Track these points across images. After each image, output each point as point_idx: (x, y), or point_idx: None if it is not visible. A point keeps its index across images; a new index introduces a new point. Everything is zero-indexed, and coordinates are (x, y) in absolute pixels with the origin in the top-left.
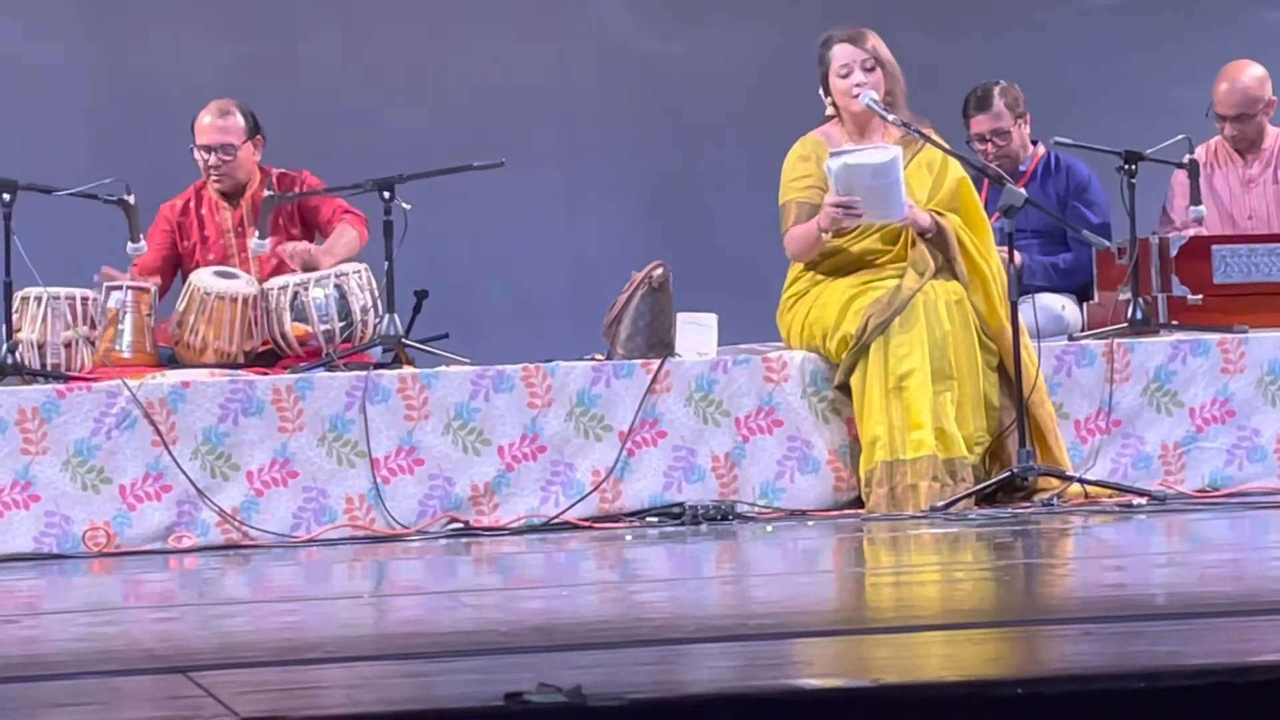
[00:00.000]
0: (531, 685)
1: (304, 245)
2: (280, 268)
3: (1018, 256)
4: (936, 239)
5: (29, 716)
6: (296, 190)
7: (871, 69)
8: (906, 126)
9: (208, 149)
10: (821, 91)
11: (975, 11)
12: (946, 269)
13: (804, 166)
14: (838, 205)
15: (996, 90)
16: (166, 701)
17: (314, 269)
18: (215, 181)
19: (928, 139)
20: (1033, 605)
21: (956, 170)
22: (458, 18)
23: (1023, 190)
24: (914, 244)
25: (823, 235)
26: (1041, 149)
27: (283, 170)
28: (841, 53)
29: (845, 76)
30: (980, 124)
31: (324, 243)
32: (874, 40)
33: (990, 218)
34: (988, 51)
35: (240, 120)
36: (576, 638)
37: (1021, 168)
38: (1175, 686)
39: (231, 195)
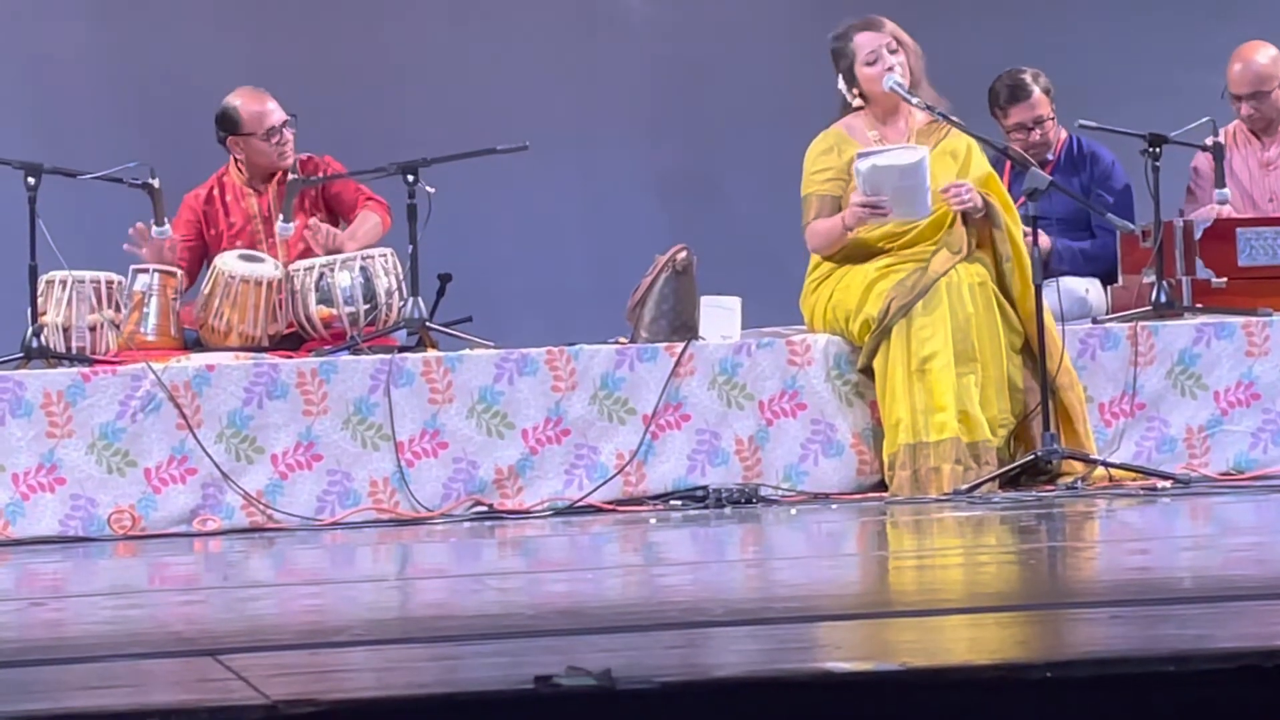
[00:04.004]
0: (560, 668)
1: (329, 228)
2: (306, 253)
3: (1045, 240)
4: (982, 218)
5: (58, 700)
6: (320, 175)
7: (895, 50)
8: (931, 110)
9: (279, 128)
10: (843, 84)
11: None
12: (975, 251)
13: (826, 159)
14: (864, 205)
15: (1028, 77)
16: (196, 684)
17: (338, 253)
18: (285, 158)
19: (950, 121)
20: (1058, 589)
21: (982, 164)
22: (481, 1)
23: (1046, 174)
24: (952, 224)
25: (847, 233)
26: (1063, 134)
27: (307, 155)
28: (865, 40)
29: (873, 63)
30: (1021, 113)
31: (347, 228)
32: (890, 24)
33: (1014, 203)
34: (1008, 37)
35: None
36: (603, 621)
37: (1047, 155)
38: (1204, 670)
39: (257, 182)
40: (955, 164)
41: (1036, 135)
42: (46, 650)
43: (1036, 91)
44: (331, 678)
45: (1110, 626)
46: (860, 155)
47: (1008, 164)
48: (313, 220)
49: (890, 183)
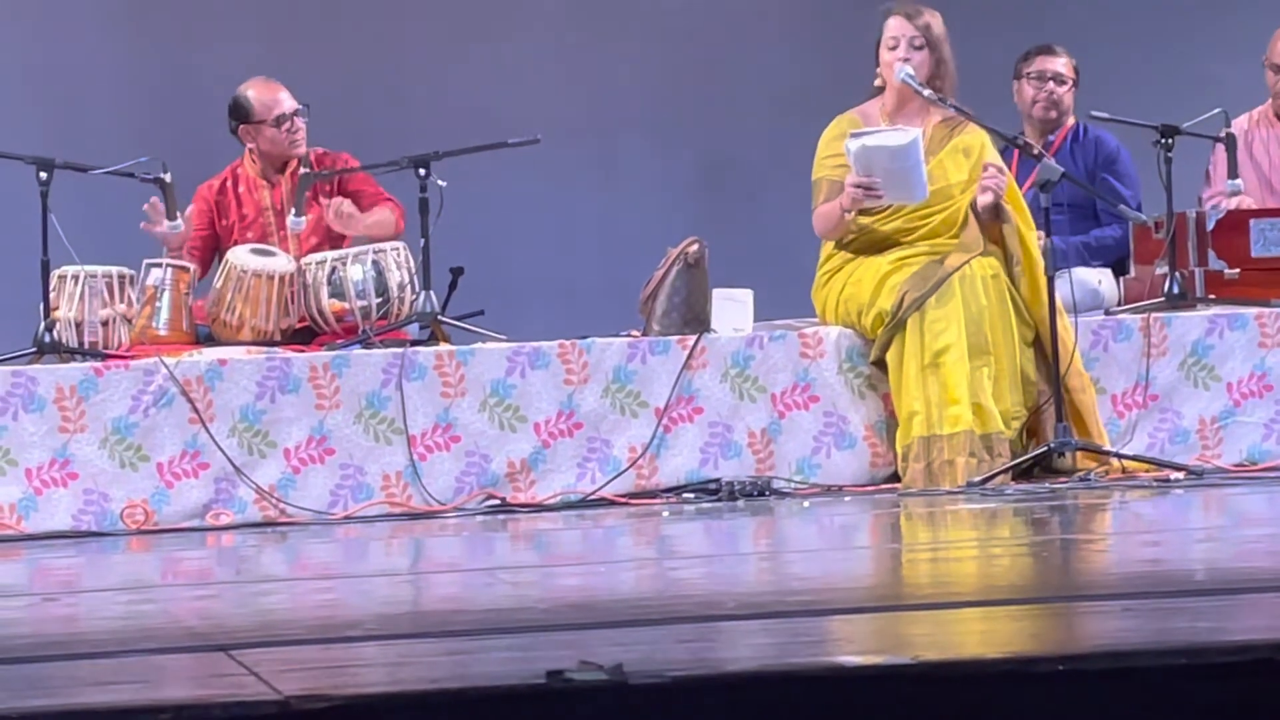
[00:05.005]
0: (572, 663)
1: (350, 204)
2: (318, 247)
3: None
4: (991, 220)
5: (71, 695)
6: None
7: (920, 47)
8: (942, 102)
9: (291, 115)
10: (876, 61)
11: None
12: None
13: (837, 145)
14: (858, 186)
15: (1058, 47)
16: (209, 679)
17: (349, 229)
18: (297, 147)
19: (966, 114)
20: (1071, 581)
21: (997, 163)
22: None
23: (1058, 165)
24: (965, 223)
25: (845, 216)
26: (1070, 121)
27: (323, 150)
28: (894, 25)
29: (893, 49)
30: (1043, 62)
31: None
32: (930, 19)
33: (1020, 188)
34: (1022, 27)
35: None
36: (615, 615)
37: (1050, 138)
38: (1217, 663)
39: (270, 173)
40: (967, 161)
41: (1050, 85)
42: (59, 645)
43: (1064, 55)
44: (344, 673)
45: (1122, 619)
46: (852, 135)
47: (1015, 153)
48: (337, 199)
49: (881, 163)
